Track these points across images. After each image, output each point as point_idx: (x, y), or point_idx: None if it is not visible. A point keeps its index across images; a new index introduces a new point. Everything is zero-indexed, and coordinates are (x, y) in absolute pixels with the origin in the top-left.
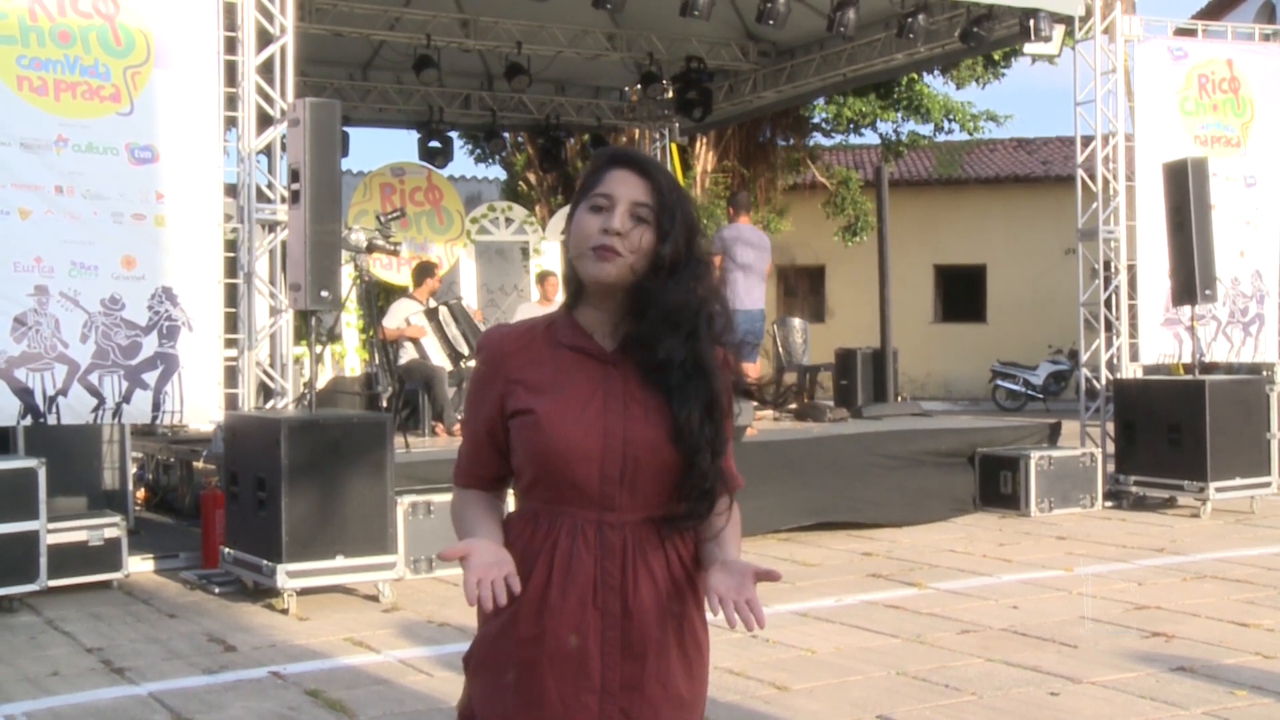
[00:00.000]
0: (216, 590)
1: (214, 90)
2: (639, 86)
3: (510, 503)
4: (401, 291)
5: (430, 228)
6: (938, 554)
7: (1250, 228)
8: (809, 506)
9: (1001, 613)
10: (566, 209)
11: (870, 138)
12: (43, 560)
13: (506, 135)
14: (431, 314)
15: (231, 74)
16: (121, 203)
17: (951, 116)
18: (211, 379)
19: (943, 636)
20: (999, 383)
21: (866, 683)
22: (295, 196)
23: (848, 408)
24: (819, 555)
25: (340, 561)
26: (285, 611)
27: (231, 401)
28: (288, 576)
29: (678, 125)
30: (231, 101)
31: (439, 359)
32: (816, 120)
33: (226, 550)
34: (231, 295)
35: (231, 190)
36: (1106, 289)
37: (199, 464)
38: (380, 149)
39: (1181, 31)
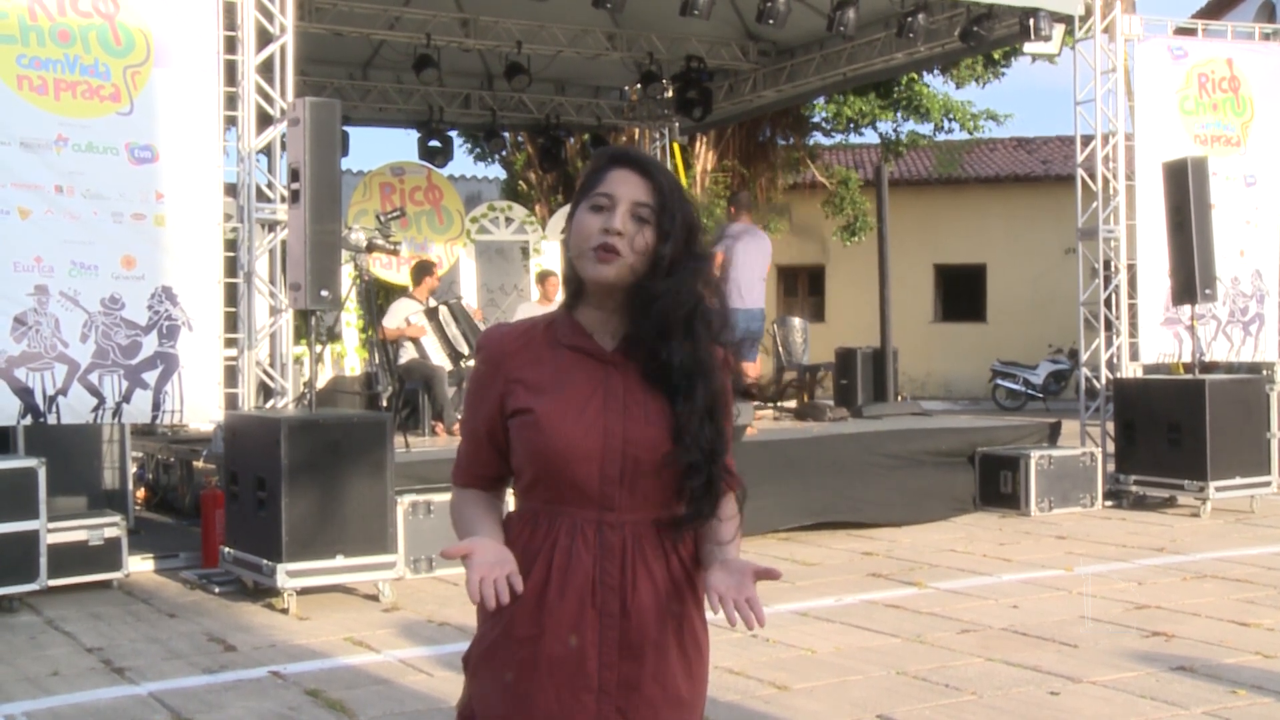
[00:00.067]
0: (216, 590)
1: (214, 90)
2: (639, 86)
3: (510, 502)
4: (401, 291)
5: (430, 227)
6: (938, 554)
7: (1250, 227)
8: (809, 506)
9: (1001, 612)
10: (566, 208)
11: (870, 137)
12: (43, 560)
13: (506, 135)
14: (431, 313)
15: (231, 73)
16: (121, 202)
17: (951, 116)
18: (211, 379)
19: (943, 636)
20: (999, 382)
21: (866, 682)
22: (295, 196)
23: (848, 407)
24: (819, 555)
25: (340, 561)
26: (285, 611)
27: (231, 401)
28: (288, 576)
29: (678, 125)
30: (231, 101)
31: (439, 358)
32: (816, 120)
33: (226, 550)
34: (231, 295)
35: (231, 190)
36: (1106, 288)
37: (199, 464)
38: (380, 148)
39: (1181, 31)
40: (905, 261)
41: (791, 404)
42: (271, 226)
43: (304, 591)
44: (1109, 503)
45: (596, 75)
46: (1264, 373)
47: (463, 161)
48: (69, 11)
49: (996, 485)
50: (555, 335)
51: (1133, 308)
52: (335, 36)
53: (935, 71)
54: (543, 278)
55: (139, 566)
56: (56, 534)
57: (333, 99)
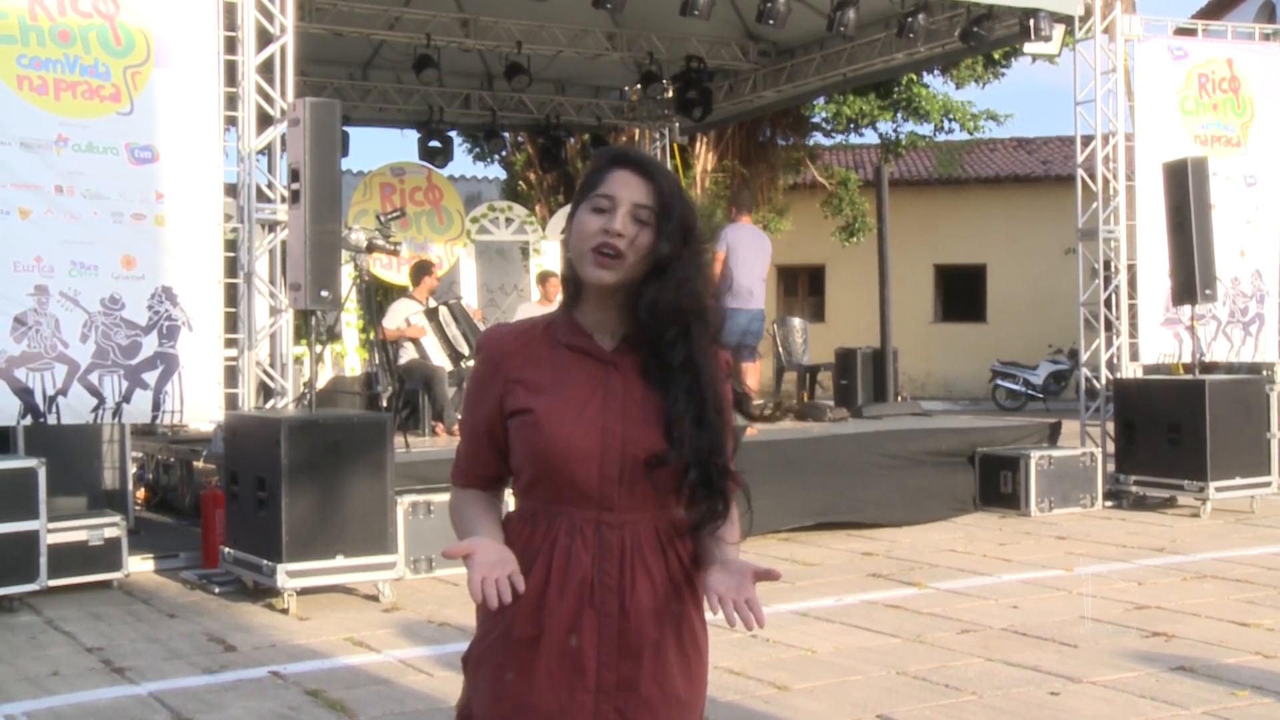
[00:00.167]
0: (216, 590)
1: (214, 90)
2: (639, 86)
3: (509, 502)
4: (401, 291)
5: (430, 227)
6: (938, 554)
7: (1250, 227)
8: (809, 506)
9: (1001, 612)
10: (567, 209)
11: (870, 137)
12: (43, 560)
13: (506, 135)
14: (431, 314)
15: (231, 74)
16: (121, 202)
17: (951, 116)
18: (211, 379)
19: (943, 636)
20: (999, 382)
21: (866, 682)
22: (295, 196)
23: (848, 407)
24: (819, 555)
25: (340, 561)
26: (285, 611)
27: (231, 401)
28: (288, 576)
29: (678, 125)
30: (231, 101)
31: (439, 359)
32: (816, 120)
33: (226, 550)
34: (231, 295)
35: (231, 190)
36: (1106, 289)
37: (199, 464)
38: (380, 149)
39: (1181, 31)
40: (905, 261)
41: (791, 404)
42: (271, 226)
43: (304, 591)
44: (1109, 503)
45: (596, 75)
46: (1264, 373)
47: (463, 161)
48: (69, 11)
49: (996, 485)
50: (555, 335)
51: (1133, 308)
52: (335, 36)
53: (935, 72)
54: (543, 278)
55: (139, 566)
56: (56, 534)
57: (333, 99)
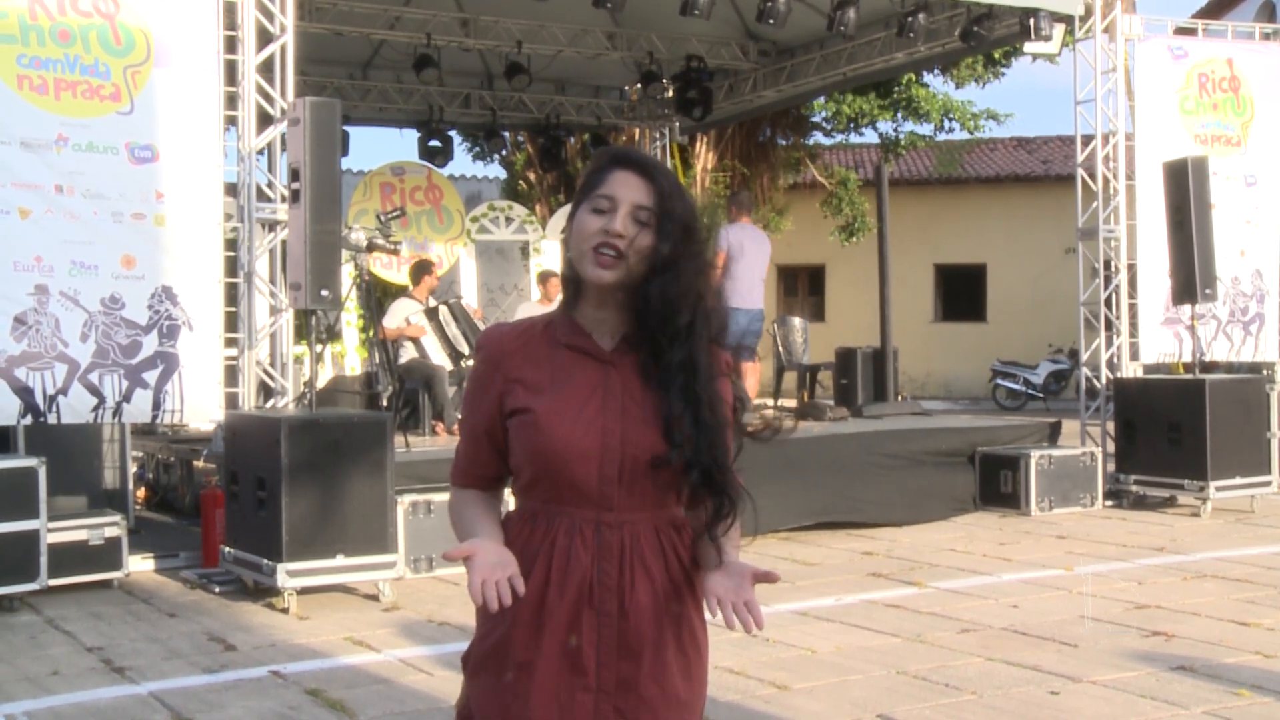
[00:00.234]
0: (217, 589)
1: (214, 89)
2: (639, 86)
3: (509, 502)
4: (401, 291)
5: (430, 227)
6: (938, 553)
7: (1250, 227)
8: (809, 506)
9: (1001, 612)
10: (567, 208)
11: (870, 137)
12: (43, 559)
13: (506, 134)
14: (431, 313)
15: (231, 73)
16: (121, 202)
17: (951, 115)
18: (211, 378)
19: (943, 636)
20: (999, 382)
21: (866, 682)
22: (295, 196)
23: (848, 407)
24: (819, 555)
25: (340, 561)
26: (285, 611)
27: (231, 401)
28: (288, 576)
29: (678, 125)
30: (231, 101)
31: (439, 358)
32: (816, 119)
33: (227, 549)
34: (231, 295)
35: (231, 190)
36: (1106, 288)
37: (199, 463)
38: (380, 148)
39: (1182, 31)
40: (905, 261)
41: (791, 403)
42: (271, 226)
43: (304, 591)
44: (1109, 502)
45: (596, 75)
46: (1264, 373)
47: (463, 161)
48: (69, 11)
49: (997, 485)
50: (554, 335)
51: (1133, 308)
52: (335, 36)
53: (935, 71)
54: (543, 278)
55: (139, 566)
56: (57, 534)
57: (333, 99)
